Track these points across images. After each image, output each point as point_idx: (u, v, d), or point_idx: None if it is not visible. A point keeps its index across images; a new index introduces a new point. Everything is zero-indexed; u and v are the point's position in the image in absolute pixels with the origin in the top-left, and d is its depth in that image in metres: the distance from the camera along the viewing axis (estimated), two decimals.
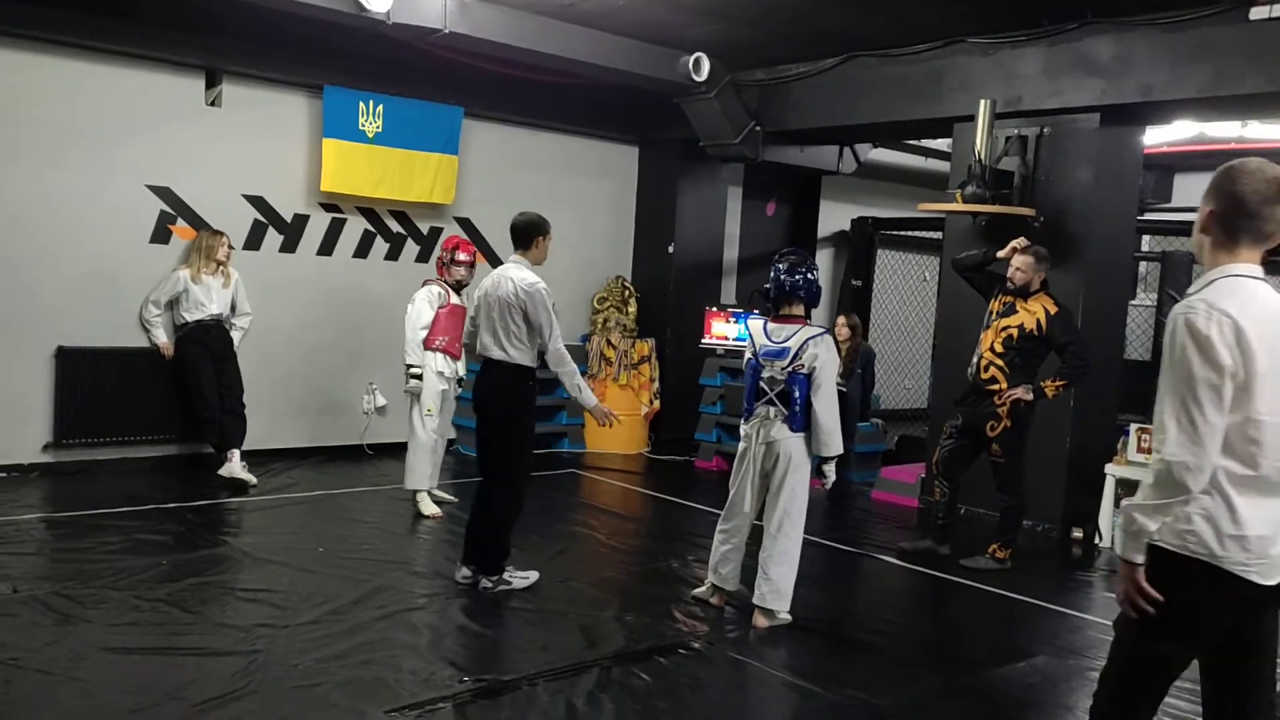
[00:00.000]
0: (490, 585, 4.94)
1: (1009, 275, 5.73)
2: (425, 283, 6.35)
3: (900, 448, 9.03)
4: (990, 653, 4.58)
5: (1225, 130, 9.49)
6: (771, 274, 4.70)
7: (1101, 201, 6.71)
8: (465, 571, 5.05)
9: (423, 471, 6.31)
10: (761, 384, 4.63)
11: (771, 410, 4.61)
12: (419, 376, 6.17)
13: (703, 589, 4.94)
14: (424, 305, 6.18)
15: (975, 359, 5.81)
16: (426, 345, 6.19)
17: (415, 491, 6.35)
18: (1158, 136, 8.89)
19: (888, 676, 4.23)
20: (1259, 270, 2.47)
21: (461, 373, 6.38)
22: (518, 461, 4.97)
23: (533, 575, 5.10)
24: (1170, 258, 8.52)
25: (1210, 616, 2.44)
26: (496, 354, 4.89)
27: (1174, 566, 2.40)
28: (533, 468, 5.17)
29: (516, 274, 4.89)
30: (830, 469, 4.70)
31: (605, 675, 3.99)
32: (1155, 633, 2.46)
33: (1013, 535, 5.84)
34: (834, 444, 4.61)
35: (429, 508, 6.27)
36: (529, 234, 5.00)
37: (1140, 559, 2.42)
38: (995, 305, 5.80)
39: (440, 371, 6.26)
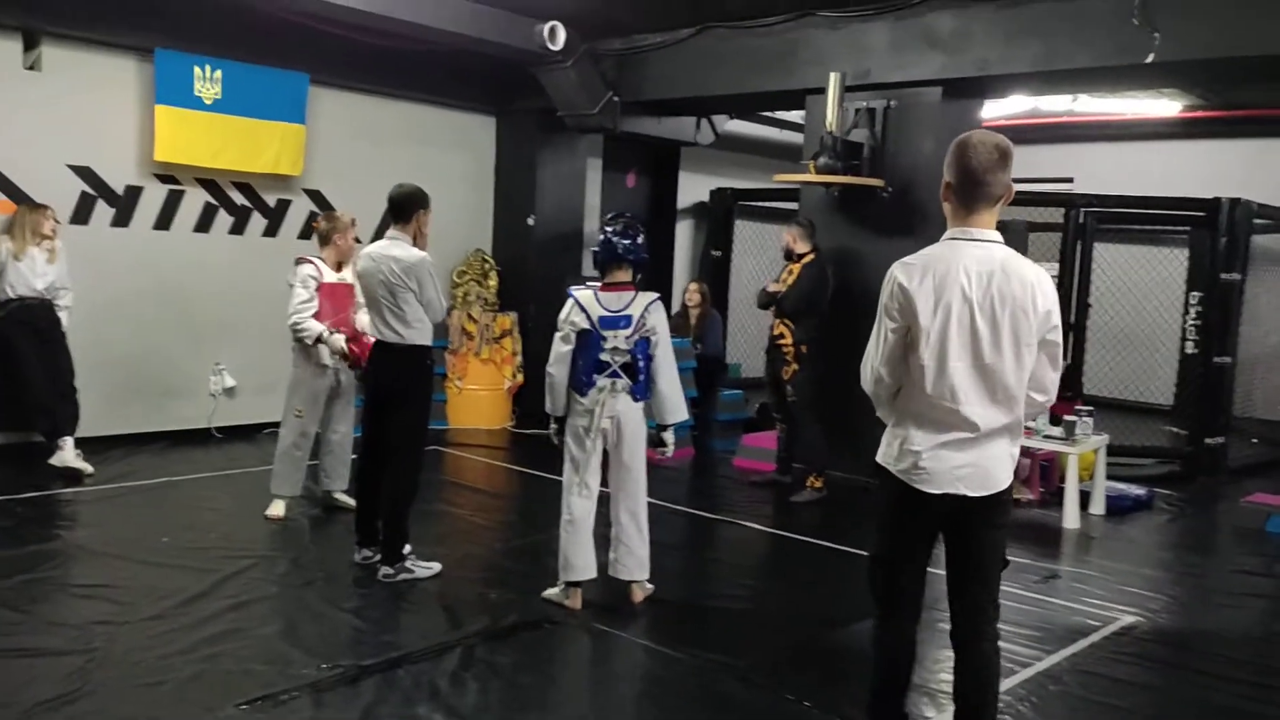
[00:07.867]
0: (391, 574, 4.73)
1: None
2: (297, 261, 5.71)
3: (761, 415, 9.20)
4: (846, 610, 4.71)
5: (1057, 104, 10.02)
6: (601, 237, 4.51)
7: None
8: (365, 553, 4.90)
9: (284, 475, 5.68)
10: (603, 356, 4.42)
11: (616, 382, 4.44)
12: (322, 341, 5.48)
13: (555, 590, 4.55)
14: (298, 288, 5.54)
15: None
16: None
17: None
18: (995, 110, 9.28)
19: (748, 638, 4.32)
20: (985, 233, 2.84)
21: None
22: (418, 444, 4.88)
23: (435, 566, 4.86)
24: (1008, 227, 8.90)
25: (899, 515, 2.97)
26: (391, 337, 4.73)
27: (879, 475, 3.01)
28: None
29: (398, 252, 4.70)
30: (670, 436, 4.57)
31: (469, 654, 3.94)
32: (878, 529, 3.08)
33: (821, 465, 6.65)
34: (680, 410, 4.56)
35: (272, 509, 5.67)
36: (408, 208, 4.76)
37: None
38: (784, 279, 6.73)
39: (324, 364, 5.60)
